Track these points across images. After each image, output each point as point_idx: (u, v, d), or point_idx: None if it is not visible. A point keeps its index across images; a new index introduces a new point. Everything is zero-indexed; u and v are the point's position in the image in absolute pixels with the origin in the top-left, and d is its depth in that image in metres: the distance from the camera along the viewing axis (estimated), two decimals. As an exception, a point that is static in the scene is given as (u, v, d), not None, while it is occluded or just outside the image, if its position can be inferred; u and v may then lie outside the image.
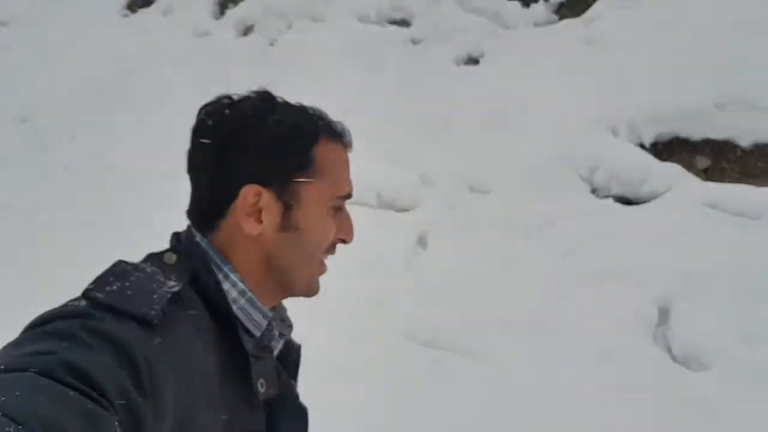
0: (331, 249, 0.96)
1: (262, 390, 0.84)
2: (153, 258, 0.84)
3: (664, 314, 3.54)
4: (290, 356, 1.00)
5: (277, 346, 0.95)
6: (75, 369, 0.59)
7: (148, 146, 5.93)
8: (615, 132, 4.70)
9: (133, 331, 0.67)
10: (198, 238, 0.88)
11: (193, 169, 0.92)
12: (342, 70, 5.80)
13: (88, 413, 0.57)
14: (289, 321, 1.02)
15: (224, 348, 0.81)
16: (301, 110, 0.93)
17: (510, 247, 4.20)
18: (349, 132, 0.96)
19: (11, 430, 0.50)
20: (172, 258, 0.83)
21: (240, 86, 0.97)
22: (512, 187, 4.66)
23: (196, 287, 0.81)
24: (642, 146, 4.62)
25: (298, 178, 0.89)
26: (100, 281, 0.72)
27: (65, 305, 0.70)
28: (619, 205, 4.39)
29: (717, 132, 4.42)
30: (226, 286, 0.85)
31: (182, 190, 0.98)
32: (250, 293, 0.86)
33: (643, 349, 3.37)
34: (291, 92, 1.00)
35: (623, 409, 2.99)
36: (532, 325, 3.57)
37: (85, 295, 0.70)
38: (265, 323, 0.87)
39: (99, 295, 0.69)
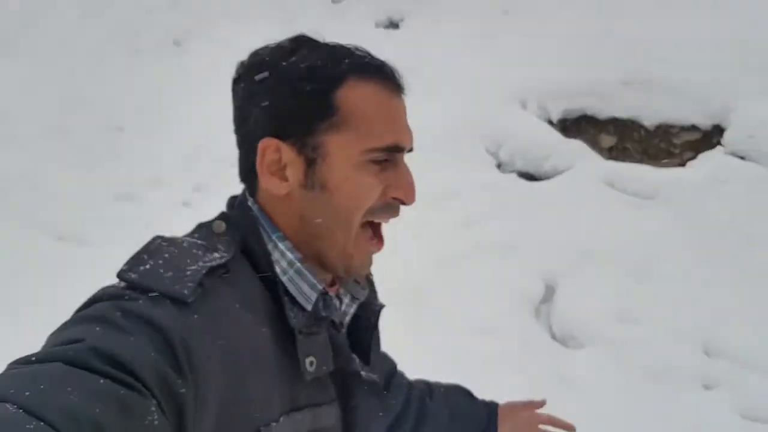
0: (385, 210, 0.81)
1: (311, 369, 0.75)
2: (202, 228, 0.79)
3: (550, 291, 3.52)
4: (368, 319, 0.90)
5: (350, 311, 0.88)
6: (106, 355, 0.57)
7: (53, 99, 5.59)
8: (524, 105, 4.63)
9: (167, 310, 0.64)
10: (250, 202, 0.81)
11: (234, 126, 0.84)
12: (257, 22, 5.53)
13: (120, 399, 0.55)
14: (364, 282, 0.91)
15: (279, 321, 0.75)
16: (327, 49, 0.80)
17: (408, 217, 4.09)
18: (396, 72, 0.81)
19: (32, 427, 0.48)
20: (221, 227, 0.78)
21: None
22: (417, 156, 4.54)
23: (248, 257, 0.76)
24: (550, 122, 4.57)
25: (321, 127, 0.77)
26: (133, 261, 0.69)
27: (104, 288, 0.67)
28: (522, 180, 4.34)
29: (623, 110, 4.40)
30: (275, 255, 0.78)
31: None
32: (298, 264, 0.78)
33: (525, 326, 3.34)
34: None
35: (493, 385, 2.94)
36: (415, 298, 3.49)
37: (120, 276, 0.67)
38: (314, 296, 0.78)
39: (132, 275, 0.66)
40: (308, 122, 0.77)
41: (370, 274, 0.98)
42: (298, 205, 0.79)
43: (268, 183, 0.79)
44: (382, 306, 0.94)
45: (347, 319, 0.88)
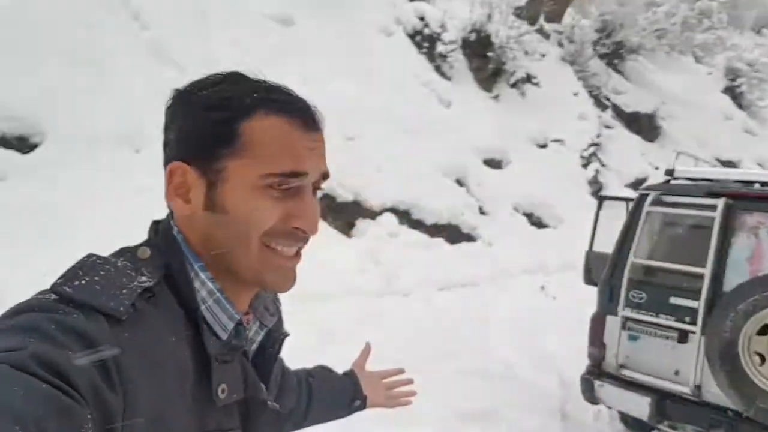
0: (286, 238, 0.83)
1: (222, 396, 0.80)
2: (126, 252, 0.81)
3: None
4: (273, 347, 0.95)
5: (257, 338, 0.92)
6: (47, 363, 0.60)
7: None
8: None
9: (100, 326, 0.66)
10: (175, 231, 0.84)
11: None
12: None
13: (61, 406, 0.58)
14: (273, 309, 0.96)
15: (195, 347, 0.78)
16: (246, 84, 0.84)
17: None
18: (310, 111, 0.85)
19: None
20: (146, 252, 0.80)
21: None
22: None
23: (170, 284, 0.79)
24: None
25: (223, 153, 0.80)
26: (69, 275, 0.71)
27: (34, 298, 0.69)
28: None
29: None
30: (196, 284, 0.81)
31: None
32: (218, 294, 0.82)
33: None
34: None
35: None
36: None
37: (54, 289, 0.69)
38: (231, 325, 0.82)
39: (67, 289, 0.68)
40: (211, 148, 0.80)
41: (278, 302, 0.99)
42: (202, 226, 0.82)
43: (174, 204, 0.83)
44: (286, 335, 0.98)
45: (254, 346, 0.92)
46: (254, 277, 0.83)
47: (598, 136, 11.53)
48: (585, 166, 10.76)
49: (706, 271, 3.40)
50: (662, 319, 3.57)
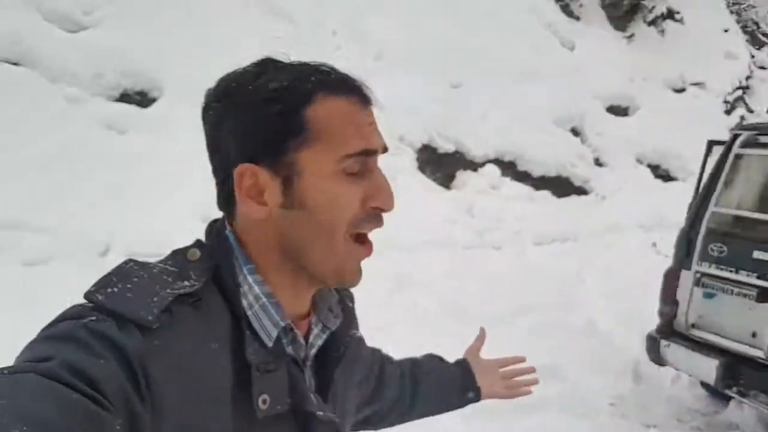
0: (368, 221, 0.81)
1: (263, 407, 0.76)
2: (176, 255, 0.80)
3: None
4: (337, 350, 0.91)
5: (317, 342, 0.88)
6: (77, 371, 0.60)
7: None
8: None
9: (131, 334, 0.66)
10: (228, 230, 0.83)
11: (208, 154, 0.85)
12: None
13: (90, 414, 0.58)
14: (338, 311, 0.92)
15: (238, 354, 0.75)
16: (294, 69, 0.81)
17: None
18: (362, 86, 0.83)
19: (17, 430, 0.52)
20: (195, 255, 0.79)
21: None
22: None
23: (219, 287, 0.78)
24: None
25: (292, 146, 0.77)
26: (102, 283, 0.70)
27: (72, 307, 0.69)
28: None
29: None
30: (244, 288, 0.79)
31: None
32: (264, 299, 0.79)
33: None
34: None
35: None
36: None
37: (87, 296, 0.69)
38: (275, 332, 0.79)
39: (99, 297, 0.68)
40: (279, 143, 0.77)
41: (352, 301, 0.98)
42: (279, 226, 0.79)
43: (247, 209, 0.79)
44: (355, 336, 0.93)
45: (313, 351, 0.87)
46: (333, 271, 0.81)
47: (748, 77, 10.29)
48: (728, 112, 9.68)
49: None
50: (742, 276, 3.18)
